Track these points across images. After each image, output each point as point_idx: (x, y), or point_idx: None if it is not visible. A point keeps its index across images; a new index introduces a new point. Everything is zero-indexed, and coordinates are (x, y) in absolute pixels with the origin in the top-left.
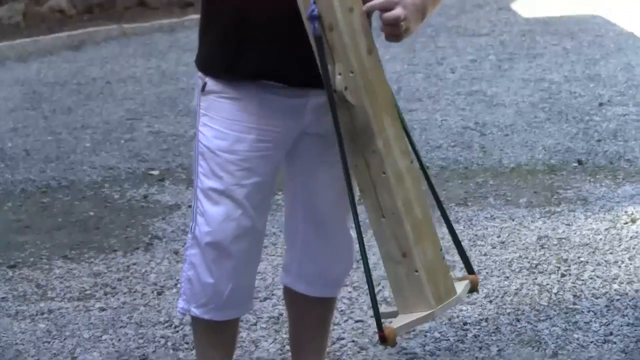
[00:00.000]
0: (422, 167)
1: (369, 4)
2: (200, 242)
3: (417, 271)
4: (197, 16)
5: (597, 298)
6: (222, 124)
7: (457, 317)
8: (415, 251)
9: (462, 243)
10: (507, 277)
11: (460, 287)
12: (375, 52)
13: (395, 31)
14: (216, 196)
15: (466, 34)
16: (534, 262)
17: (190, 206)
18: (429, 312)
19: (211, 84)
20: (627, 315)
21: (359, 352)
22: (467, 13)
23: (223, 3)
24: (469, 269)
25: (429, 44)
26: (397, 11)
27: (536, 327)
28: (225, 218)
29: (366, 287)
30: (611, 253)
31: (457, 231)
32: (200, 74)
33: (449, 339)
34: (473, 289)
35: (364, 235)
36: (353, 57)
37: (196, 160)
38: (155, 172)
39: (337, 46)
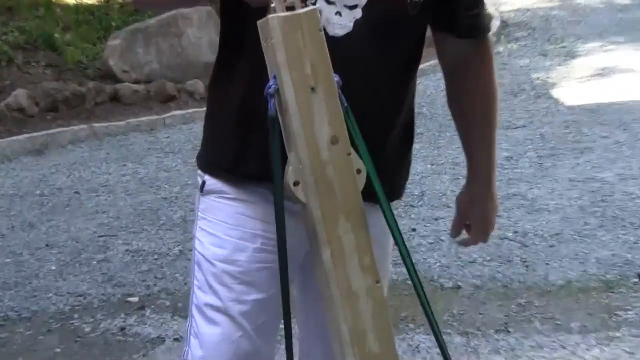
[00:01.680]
0: (417, 289)
1: None
2: None
3: None
4: (180, 112)
5: None
6: (221, 228)
7: None
8: None
9: None
10: None
11: None
12: (343, 141)
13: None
14: (212, 313)
15: (500, 127)
16: None
17: (177, 339)
18: None
19: (211, 182)
20: None
21: None
22: (500, 102)
23: (227, 98)
24: None
25: (456, 139)
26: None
27: None
28: (221, 339)
29: None
30: None
31: None
32: (200, 171)
33: None
34: None
35: None
36: (305, 147)
37: (192, 272)
38: (134, 299)
39: (290, 132)
